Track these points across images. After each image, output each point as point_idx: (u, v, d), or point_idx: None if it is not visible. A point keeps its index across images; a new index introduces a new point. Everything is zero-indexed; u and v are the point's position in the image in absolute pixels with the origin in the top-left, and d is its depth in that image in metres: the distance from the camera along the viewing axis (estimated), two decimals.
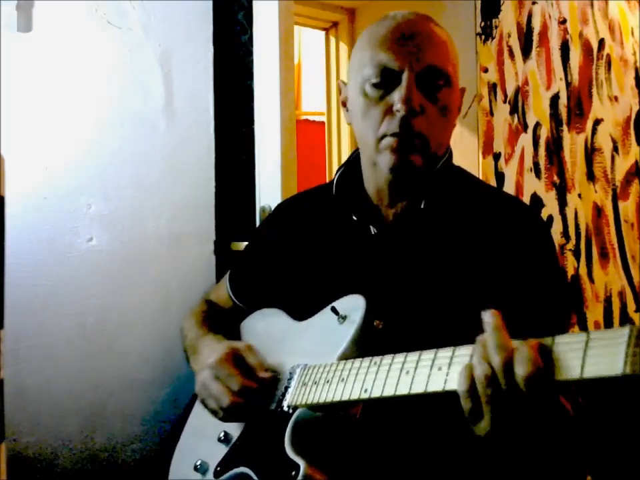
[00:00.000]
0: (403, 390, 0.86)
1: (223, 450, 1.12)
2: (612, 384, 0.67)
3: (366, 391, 0.91)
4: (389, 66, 1.04)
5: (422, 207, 1.09)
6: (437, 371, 0.83)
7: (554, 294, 1.05)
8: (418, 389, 0.84)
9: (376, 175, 1.11)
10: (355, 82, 1.10)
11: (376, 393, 0.90)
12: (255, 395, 1.08)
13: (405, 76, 1.02)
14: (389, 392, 0.88)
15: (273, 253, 1.26)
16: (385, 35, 1.06)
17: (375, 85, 1.05)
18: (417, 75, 1.03)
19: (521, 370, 0.73)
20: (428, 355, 0.86)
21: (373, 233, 1.13)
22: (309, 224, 1.23)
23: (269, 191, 1.65)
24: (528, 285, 1.03)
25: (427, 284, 1.05)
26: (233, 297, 1.34)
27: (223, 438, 1.13)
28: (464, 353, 0.82)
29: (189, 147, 1.66)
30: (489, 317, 0.79)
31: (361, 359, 0.95)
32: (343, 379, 0.96)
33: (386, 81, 1.04)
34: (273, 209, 1.59)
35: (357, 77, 1.09)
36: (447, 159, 1.13)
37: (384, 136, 1.05)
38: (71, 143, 1.49)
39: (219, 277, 1.67)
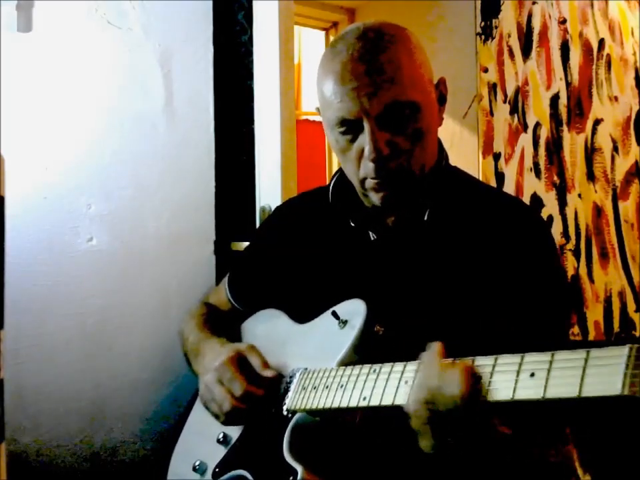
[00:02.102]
0: (401, 400, 0.86)
1: (221, 451, 1.13)
2: (609, 404, 0.67)
3: (365, 398, 0.91)
4: (347, 117, 1.02)
5: (425, 218, 1.09)
6: None
7: (554, 297, 1.04)
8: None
9: (368, 200, 1.11)
10: (323, 116, 1.09)
11: (374, 402, 0.90)
12: (258, 400, 1.07)
13: (364, 124, 1.01)
14: (387, 401, 0.88)
15: (272, 256, 1.26)
16: (337, 78, 1.02)
17: (341, 133, 1.05)
18: (376, 118, 1.00)
19: (452, 391, 0.79)
20: None
21: (372, 238, 1.12)
22: (308, 227, 1.22)
23: (269, 190, 1.65)
24: (528, 289, 1.02)
25: (428, 290, 1.05)
26: (231, 300, 1.34)
27: (222, 439, 1.13)
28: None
29: (189, 147, 1.66)
30: (431, 345, 0.87)
31: (360, 366, 0.94)
32: (342, 385, 0.95)
33: (349, 128, 1.03)
34: (272, 209, 1.59)
35: (324, 113, 1.08)
36: (440, 164, 1.12)
37: (365, 178, 1.06)
38: (71, 143, 1.49)
39: (219, 277, 1.67)
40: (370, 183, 1.05)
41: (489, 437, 0.82)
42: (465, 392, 0.78)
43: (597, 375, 0.67)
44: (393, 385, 0.88)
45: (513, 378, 0.75)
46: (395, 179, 1.04)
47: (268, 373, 1.09)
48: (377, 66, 1.00)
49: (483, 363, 0.80)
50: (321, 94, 1.07)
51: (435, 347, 0.86)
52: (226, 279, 1.37)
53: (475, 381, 0.79)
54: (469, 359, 0.82)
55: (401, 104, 1.00)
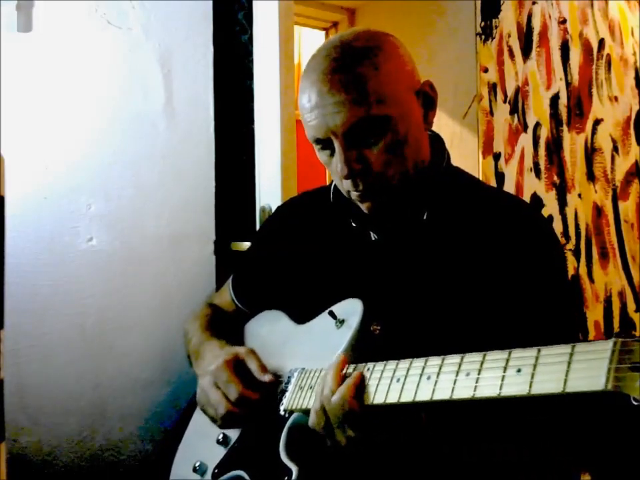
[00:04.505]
0: (392, 398, 0.86)
1: (221, 452, 1.13)
2: (593, 399, 0.67)
3: None
4: (318, 137, 1.04)
5: (424, 218, 1.09)
6: (426, 380, 0.83)
7: (558, 298, 1.04)
8: (407, 397, 0.84)
9: (362, 207, 1.11)
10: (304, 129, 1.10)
11: (367, 400, 0.90)
12: (253, 403, 1.08)
13: (334, 143, 1.02)
14: (379, 399, 0.88)
15: (275, 256, 1.26)
16: (308, 98, 1.03)
17: (319, 149, 1.07)
18: (344, 136, 1.01)
19: (337, 401, 0.90)
20: (418, 362, 0.86)
21: (373, 239, 1.12)
22: (310, 227, 1.23)
23: (269, 190, 1.65)
24: (531, 289, 1.01)
25: (426, 290, 1.05)
26: (235, 301, 1.34)
27: (221, 440, 1.13)
28: (452, 362, 0.82)
29: (189, 146, 1.66)
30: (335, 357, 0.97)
31: (355, 365, 0.95)
32: None
33: (324, 146, 1.05)
34: (272, 209, 1.59)
35: (304, 128, 1.09)
36: (439, 164, 1.12)
37: (349, 191, 1.07)
38: (71, 143, 1.49)
39: (219, 277, 1.67)
40: (353, 195, 1.07)
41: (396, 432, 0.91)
42: (346, 402, 0.89)
43: (581, 370, 0.67)
44: (385, 384, 0.88)
45: (500, 374, 0.75)
46: (374, 190, 1.05)
47: (266, 378, 1.09)
48: (341, 85, 1.00)
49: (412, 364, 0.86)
50: (299, 110, 1.08)
51: (337, 359, 0.95)
52: (230, 280, 1.37)
53: (358, 392, 0.89)
54: (367, 365, 0.92)
55: (368, 120, 1.00)
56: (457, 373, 0.80)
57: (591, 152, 2.48)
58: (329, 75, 1.01)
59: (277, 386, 1.09)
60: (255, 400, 1.08)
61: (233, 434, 1.13)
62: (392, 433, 0.91)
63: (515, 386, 0.73)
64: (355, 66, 1.00)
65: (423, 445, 0.94)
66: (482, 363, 0.78)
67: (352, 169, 1.02)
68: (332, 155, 1.05)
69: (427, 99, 1.09)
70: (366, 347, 1.01)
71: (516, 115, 2.23)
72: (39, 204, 1.44)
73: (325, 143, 1.04)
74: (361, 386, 0.90)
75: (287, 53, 1.64)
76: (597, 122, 2.50)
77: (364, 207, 1.08)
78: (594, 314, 2.42)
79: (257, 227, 1.67)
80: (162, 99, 1.62)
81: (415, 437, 0.92)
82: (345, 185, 1.07)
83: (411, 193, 1.08)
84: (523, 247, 1.04)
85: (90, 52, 1.51)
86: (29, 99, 1.43)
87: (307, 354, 1.09)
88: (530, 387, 0.71)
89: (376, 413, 0.89)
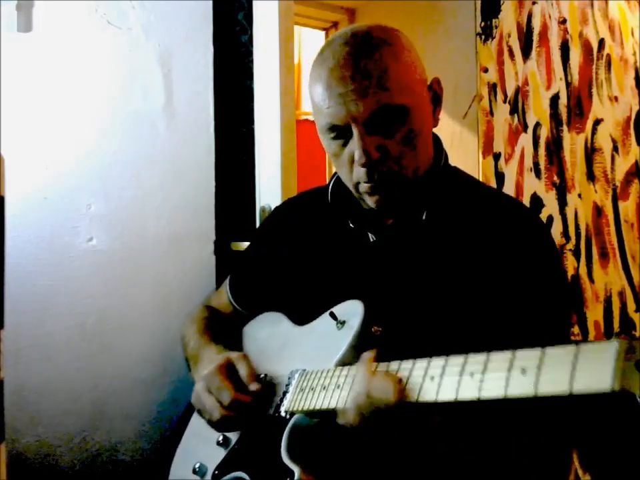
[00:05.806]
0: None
1: (221, 453, 1.13)
2: (600, 399, 0.67)
3: None
4: (336, 123, 1.02)
5: (423, 218, 1.09)
6: (429, 381, 0.83)
7: (554, 298, 1.04)
8: (410, 398, 0.84)
9: (364, 203, 1.11)
10: (315, 122, 1.09)
11: None
12: (247, 407, 1.07)
13: (353, 129, 1.01)
14: None
15: (272, 257, 1.26)
16: (324, 85, 1.02)
17: (332, 138, 1.05)
18: (364, 123, 1.00)
19: (380, 397, 0.86)
20: (421, 363, 0.86)
21: (371, 240, 1.12)
22: (308, 228, 1.22)
23: (269, 190, 1.65)
24: (528, 290, 1.01)
25: (426, 291, 1.05)
26: (233, 303, 1.34)
27: (221, 441, 1.13)
28: (456, 362, 0.81)
29: (189, 147, 1.66)
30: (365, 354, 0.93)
31: (357, 366, 0.94)
32: (339, 386, 0.95)
33: (340, 134, 1.04)
34: (272, 209, 1.59)
35: (316, 119, 1.08)
36: (438, 164, 1.12)
37: (358, 182, 1.06)
38: (71, 143, 1.49)
39: (219, 277, 1.67)
40: (363, 187, 1.06)
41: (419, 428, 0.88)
42: (395, 399, 0.84)
43: (587, 370, 0.66)
44: None
45: (504, 375, 0.74)
46: (388, 182, 1.04)
47: (253, 387, 1.08)
48: (362, 71, 0.99)
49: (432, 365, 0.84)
50: (311, 100, 1.07)
51: (366, 356, 0.92)
52: (227, 282, 1.37)
53: (403, 388, 0.85)
54: (406, 362, 0.88)
55: (389, 108, 1.00)
56: (461, 373, 0.80)
57: (591, 152, 2.48)
58: (350, 61, 1.00)
59: (272, 388, 1.09)
60: (249, 403, 1.08)
61: (234, 435, 1.13)
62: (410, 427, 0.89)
63: (521, 387, 0.72)
64: (376, 53, 1.00)
65: (427, 443, 0.94)
66: (486, 363, 0.78)
67: (370, 157, 1.01)
68: (344, 145, 1.04)
69: (435, 95, 1.09)
70: (367, 348, 1.01)
71: (516, 115, 2.23)
72: (39, 204, 1.44)
73: (341, 131, 1.03)
74: (403, 382, 0.87)
75: (287, 52, 1.64)
76: (597, 122, 2.50)
77: (372, 200, 1.07)
78: (594, 314, 2.42)
79: (256, 228, 1.67)
80: (162, 99, 1.62)
81: (426, 433, 0.91)
82: (357, 175, 1.05)
83: (415, 191, 1.08)
84: (520, 249, 1.04)
85: (90, 52, 1.51)
86: (29, 98, 1.43)
87: (307, 355, 1.09)
88: (536, 387, 0.71)
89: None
